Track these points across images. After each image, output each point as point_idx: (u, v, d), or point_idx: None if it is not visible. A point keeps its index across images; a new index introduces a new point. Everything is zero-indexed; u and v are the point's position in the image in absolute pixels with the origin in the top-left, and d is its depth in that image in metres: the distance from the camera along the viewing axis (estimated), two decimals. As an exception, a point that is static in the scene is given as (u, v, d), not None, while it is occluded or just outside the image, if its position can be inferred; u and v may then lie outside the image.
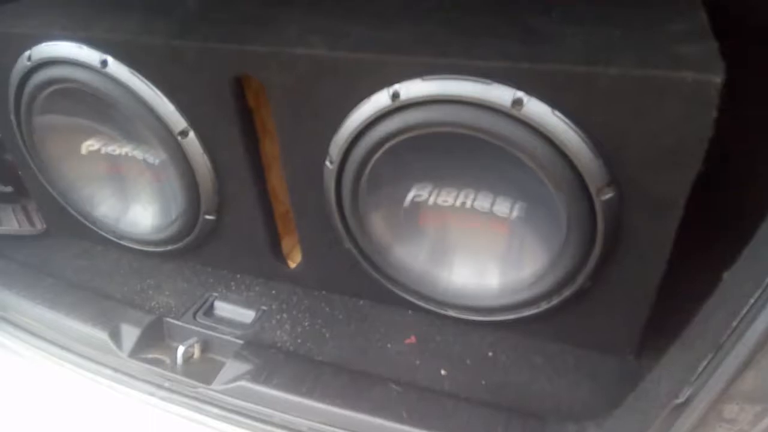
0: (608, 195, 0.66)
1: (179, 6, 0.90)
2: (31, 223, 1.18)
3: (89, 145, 0.99)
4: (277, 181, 0.96)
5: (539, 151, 0.65)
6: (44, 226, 1.18)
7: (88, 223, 1.08)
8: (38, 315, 0.95)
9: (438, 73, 0.66)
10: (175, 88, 0.83)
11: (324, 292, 0.99)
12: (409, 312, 0.93)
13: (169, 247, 1.03)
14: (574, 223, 0.69)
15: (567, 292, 0.77)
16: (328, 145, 0.78)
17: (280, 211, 0.99)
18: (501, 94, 0.64)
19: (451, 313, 0.87)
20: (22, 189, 1.16)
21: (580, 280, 0.75)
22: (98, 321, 0.92)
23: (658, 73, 0.58)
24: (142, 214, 1.04)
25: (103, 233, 1.08)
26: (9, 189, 1.23)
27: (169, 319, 0.94)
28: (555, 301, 0.78)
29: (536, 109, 0.63)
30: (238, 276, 1.04)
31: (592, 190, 0.66)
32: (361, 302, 0.96)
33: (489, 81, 0.64)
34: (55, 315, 0.95)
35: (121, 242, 1.07)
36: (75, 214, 1.08)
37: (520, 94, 0.63)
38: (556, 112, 0.63)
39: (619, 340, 0.81)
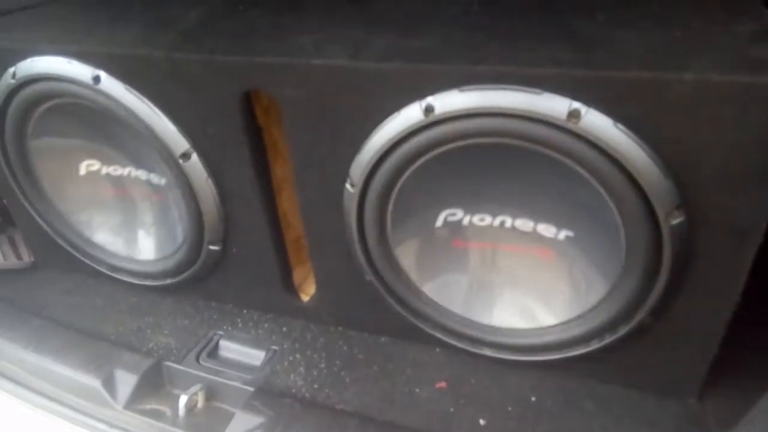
0: (678, 219, 0.57)
1: (180, 18, 0.82)
2: (18, 256, 1.08)
3: (88, 165, 0.90)
4: (288, 204, 0.87)
5: (600, 169, 0.57)
6: (32, 258, 1.08)
7: (79, 256, 0.99)
8: (23, 360, 0.85)
9: (478, 82, 0.58)
10: (176, 106, 0.75)
11: (341, 328, 0.89)
12: (437, 349, 0.83)
13: (169, 281, 0.94)
14: (636, 250, 0.60)
15: (624, 329, 0.67)
16: (348, 166, 0.70)
17: (292, 238, 0.90)
18: (554, 105, 0.55)
19: (487, 352, 0.78)
20: (10, 218, 1.07)
21: (640, 315, 0.65)
22: (90, 367, 0.82)
23: (743, 79, 0.50)
24: (140, 244, 0.95)
25: (97, 266, 0.99)
26: (-5, 218, 1.14)
27: (169, 363, 0.84)
28: (608, 339, 0.69)
29: (596, 121, 0.55)
30: (245, 311, 0.94)
31: (660, 213, 0.57)
32: (383, 339, 0.87)
33: (539, 90, 0.56)
34: (42, 360, 0.85)
35: (117, 276, 0.98)
36: (65, 245, 0.99)
37: (576, 104, 0.55)
38: (619, 125, 0.55)
39: (681, 381, 0.71)
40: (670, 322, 0.66)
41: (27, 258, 1.08)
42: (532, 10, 0.71)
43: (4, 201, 1.01)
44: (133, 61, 0.73)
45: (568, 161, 0.58)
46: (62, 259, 1.01)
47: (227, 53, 0.69)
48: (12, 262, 1.06)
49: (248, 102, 0.72)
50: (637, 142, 0.55)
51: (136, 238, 0.95)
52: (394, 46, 0.65)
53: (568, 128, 0.55)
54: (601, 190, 0.58)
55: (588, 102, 0.55)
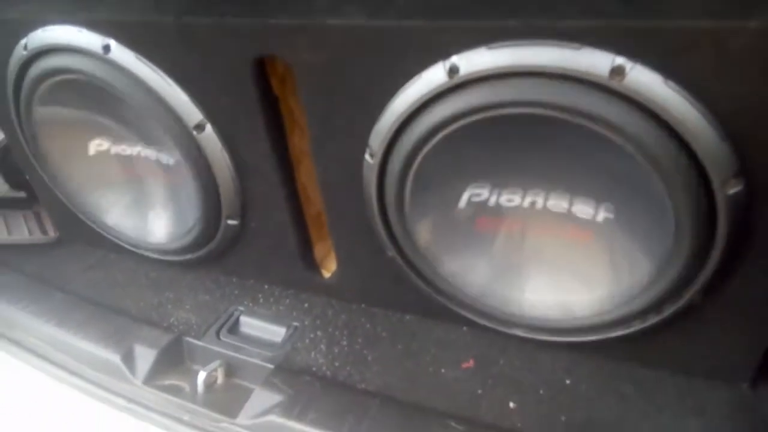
0: (736, 188, 0.51)
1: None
2: (44, 231, 1.08)
3: (97, 144, 0.88)
4: (307, 179, 0.83)
5: (646, 133, 0.50)
6: (57, 234, 1.08)
7: (101, 231, 0.98)
8: (45, 334, 0.85)
9: (508, 38, 0.52)
10: (188, 75, 0.71)
11: (363, 306, 0.86)
12: (464, 328, 0.80)
13: (189, 256, 0.92)
14: (686, 224, 0.54)
15: (670, 310, 0.62)
16: (368, 135, 0.65)
17: (312, 214, 0.87)
18: (595, 61, 0.49)
19: (519, 332, 0.73)
20: (35, 194, 1.07)
21: (689, 294, 0.60)
22: (110, 341, 0.82)
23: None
24: (157, 220, 0.93)
25: (118, 241, 0.98)
26: (22, 194, 1.14)
27: (189, 339, 0.82)
28: (653, 320, 0.64)
29: (643, 78, 0.49)
30: (266, 287, 0.92)
31: (715, 182, 0.51)
32: (407, 317, 0.83)
33: (578, 45, 0.50)
34: (64, 334, 0.85)
35: (137, 251, 0.97)
36: (86, 220, 0.98)
37: (620, 60, 0.49)
38: (670, 82, 0.48)
39: (733, 365, 0.65)
40: (721, 302, 0.60)
41: (52, 233, 1.08)
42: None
43: (27, 177, 1.01)
44: (143, 28, 0.70)
45: (609, 128, 0.52)
46: (85, 234, 1.01)
47: (238, 15, 0.64)
48: (37, 237, 1.06)
49: (262, 69, 0.68)
50: (690, 101, 0.48)
51: (152, 216, 0.93)
52: (414, 2, 0.59)
53: (611, 87, 0.49)
54: (646, 159, 0.52)
55: (634, 57, 0.48)
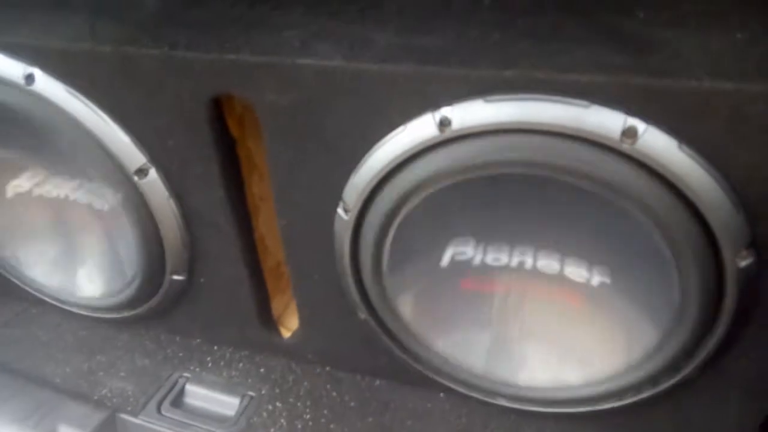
0: (747, 261, 0.47)
1: (136, 3, 0.68)
2: (-52, 280, 0.93)
3: (16, 185, 0.76)
4: (266, 228, 0.75)
5: (655, 199, 0.46)
6: (-35, 283, 0.93)
7: (19, 283, 0.84)
8: (-56, 415, 0.71)
9: (508, 91, 0.47)
10: (129, 113, 0.62)
11: (328, 369, 0.77)
12: (441, 395, 0.72)
13: (126, 314, 0.80)
14: (693, 296, 0.50)
15: (667, 383, 0.57)
16: (341, 187, 0.58)
17: (270, 265, 0.78)
18: (605, 121, 0.44)
19: (502, 402, 0.67)
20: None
21: (689, 369, 0.55)
22: (29, 422, 0.69)
23: None
24: (88, 273, 0.81)
25: (40, 295, 0.84)
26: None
27: (124, 416, 0.71)
28: (648, 392, 0.59)
29: (656, 142, 0.44)
30: (215, 348, 0.81)
31: (727, 254, 0.47)
32: (378, 382, 0.75)
33: (586, 102, 0.45)
34: (-32, 414, 0.71)
35: (64, 306, 0.84)
36: (2, 271, 0.84)
37: (633, 121, 0.44)
38: (685, 147, 0.44)
39: (728, 438, 0.62)
40: (721, 375, 0.56)
41: (-41, 283, 0.93)
42: (553, 6, 0.60)
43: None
44: (75, 57, 0.60)
45: (615, 192, 0.47)
46: (1, 285, 0.87)
47: (191, 48, 0.56)
48: (-61, 288, 0.91)
49: (218, 109, 0.59)
50: (705, 167, 0.44)
51: (81, 268, 0.81)
52: (398, 44, 0.53)
53: (621, 150, 0.44)
54: (653, 226, 0.47)
55: (647, 118, 0.44)
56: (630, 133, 0.44)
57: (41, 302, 0.86)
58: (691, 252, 0.47)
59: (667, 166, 0.44)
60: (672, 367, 0.56)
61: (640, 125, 0.44)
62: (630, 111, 0.44)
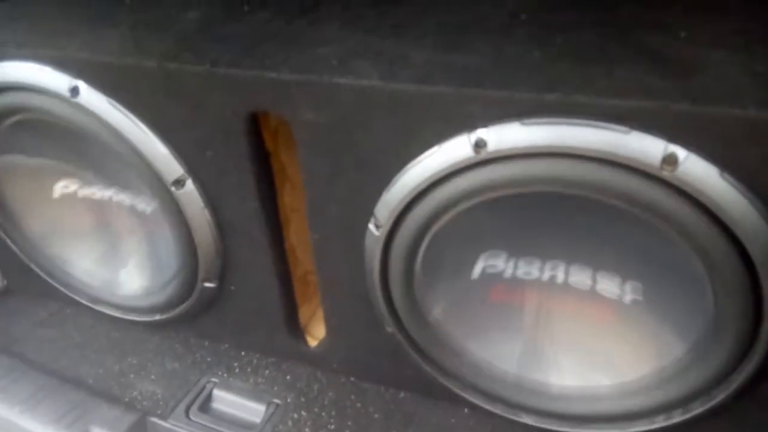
0: (788, 290, 0.46)
1: (176, 18, 0.70)
2: (-12, 279, 0.96)
3: (63, 186, 0.78)
4: (296, 238, 0.76)
5: (694, 226, 0.45)
6: (5, 282, 0.96)
7: (55, 284, 0.87)
8: (-17, 412, 0.74)
9: (546, 114, 0.47)
10: (169, 126, 0.63)
11: (353, 379, 0.78)
12: (466, 410, 0.72)
13: (158, 317, 0.82)
14: (727, 321, 0.49)
15: (697, 410, 0.57)
16: (373, 204, 0.58)
17: (299, 274, 0.79)
18: (645, 147, 0.44)
19: (526, 420, 0.67)
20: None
21: (722, 395, 0.54)
22: (62, 423, 0.71)
23: None
24: (124, 275, 0.83)
25: (75, 296, 0.87)
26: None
27: (154, 419, 0.72)
28: (677, 419, 0.58)
29: (697, 169, 0.44)
30: (243, 354, 0.83)
31: (766, 283, 0.46)
32: (402, 395, 0.75)
33: (626, 128, 0.44)
34: (7, 412, 0.73)
35: (97, 308, 0.86)
36: (39, 272, 0.87)
37: (673, 147, 0.44)
38: (727, 176, 0.44)
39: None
40: (755, 405, 0.55)
41: (0, 282, 0.96)
42: (590, 21, 0.60)
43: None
44: (119, 72, 0.62)
45: (654, 216, 0.46)
46: (37, 285, 0.89)
47: (232, 66, 0.57)
48: (-20, 285, 0.94)
49: (255, 124, 0.61)
50: (747, 197, 0.44)
51: (120, 269, 0.83)
52: (435, 62, 0.54)
53: (661, 177, 0.44)
54: (692, 251, 0.47)
55: (688, 145, 0.44)
56: (670, 160, 0.44)
57: (75, 303, 0.88)
58: (729, 278, 0.47)
59: (708, 194, 0.44)
60: (704, 391, 0.55)
61: (681, 152, 0.43)
62: (671, 137, 0.44)
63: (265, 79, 0.55)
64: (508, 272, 0.61)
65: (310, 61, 0.56)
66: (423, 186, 0.53)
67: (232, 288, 0.76)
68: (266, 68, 0.55)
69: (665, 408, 0.58)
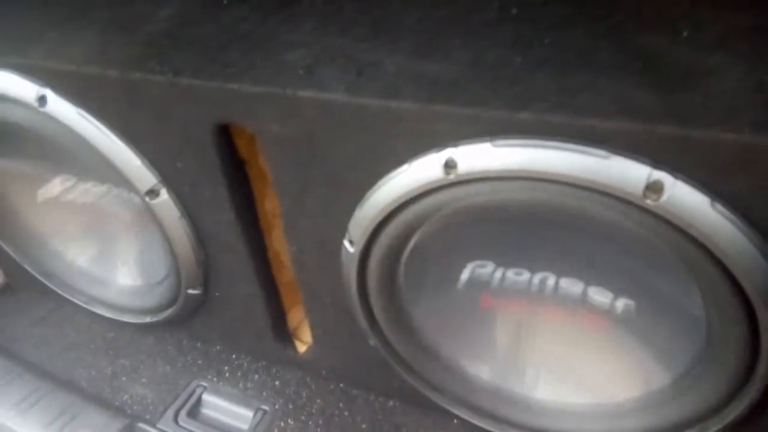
0: (787, 326, 0.42)
1: (149, 18, 0.66)
2: (-11, 276, 0.98)
3: (52, 188, 0.78)
4: (280, 243, 0.73)
5: (683, 256, 0.41)
6: (5, 279, 0.97)
7: (51, 285, 0.87)
8: (-21, 415, 0.75)
9: (518, 134, 0.43)
10: (139, 135, 0.61)
11: (342, 385, 0.77)
12: (455, 421, 0.70)
13: (148, 319, 0.82)
14: (721, 350, 0.45)
15: (691, 437, 0.53)
16: (346, 218, 0.55)
17: (285, 280, 0.77)
18: (626, 173, 0.40)
19: (515, 435, 0.65)
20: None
21: (714, 427, 0.51)
22: (52, 428, 0.72)
23: None
24: (117, 276, 0.83)
25: (70, 297, 0.87)
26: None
27: (142, 425, 0.73)
28: (670, 443, 0.55)
29: (685, 198, 0.39)
30: (233, 357, 0.82)
31: (762, 318, 0.42)
32: (392, 403, 0.74)
33: (605, 153, 0.40)
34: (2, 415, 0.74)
35: (92, 308, 0.86)
36: (35, 273, 0.87)
37: (658, 174, 0.39)
38: (718, 205, 0.39)
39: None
40: (754, 435, 0.52)
41: (1, 279, 0.97)
42: (585, 17, 0.54)
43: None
44: (85, 80, 0.59)
45: (635, 241, 0.42)
46: (36, 283, 0.90)
47: (194, 76, 0.54)
48: (-19, 282, 0.96)
49: (226, 133, 0.58)
50: (741, 228, 0.39)
51: (112, 271, 0.83)
52: (406, 71, 0.49)
53: (644, 207, 0.40)
54: (684, 278, 0.43)
55: (676, 171, 0.39)
56: (655, 188, 0.39)
57: (72, 302, 0.89)
58: (722, 308, 0.43)
59: (697, 227, 0.39)
60: (697, 421, 0.51)
61: (668, 179, 0.39)
62: (656, 162, 0.39)
63: (227, 91, 0.52)
64: (495, 285, 0.58)
65: (275, 70, 0.52)
66: (393, 206, 0.50)
67: (217, 295, 0.75)
68: (229, 79, 0.52)
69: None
